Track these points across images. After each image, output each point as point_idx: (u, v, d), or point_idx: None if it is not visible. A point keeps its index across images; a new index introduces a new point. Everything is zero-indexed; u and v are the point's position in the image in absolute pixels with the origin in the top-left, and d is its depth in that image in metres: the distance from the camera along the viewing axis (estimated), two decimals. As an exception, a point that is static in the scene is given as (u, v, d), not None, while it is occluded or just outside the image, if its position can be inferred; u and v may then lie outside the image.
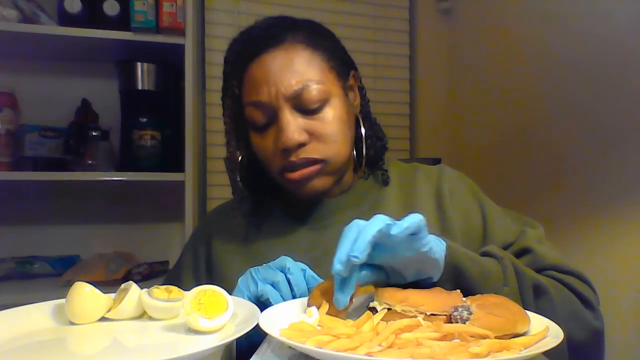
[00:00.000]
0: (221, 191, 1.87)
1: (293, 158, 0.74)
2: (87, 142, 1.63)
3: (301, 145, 0.74)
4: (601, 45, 1.38)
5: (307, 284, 0.65)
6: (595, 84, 1.40)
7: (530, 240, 0.77)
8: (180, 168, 1.59)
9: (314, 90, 0.74)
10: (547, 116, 1.59)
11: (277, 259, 0.67)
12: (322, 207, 0.84)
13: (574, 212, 1.46)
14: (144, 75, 1.64)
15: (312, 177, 0.76)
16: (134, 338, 0.57)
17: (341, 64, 0.81)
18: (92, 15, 1.55)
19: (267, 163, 0.79)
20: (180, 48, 1.58)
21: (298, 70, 0.75)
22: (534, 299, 0.66)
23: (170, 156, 1.66)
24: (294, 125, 0.74)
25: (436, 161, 1.28)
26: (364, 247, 0.51)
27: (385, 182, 0.86)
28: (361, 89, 0.86)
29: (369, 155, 0.84)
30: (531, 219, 0.85)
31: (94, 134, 1.64)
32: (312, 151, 0.75)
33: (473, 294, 0.62)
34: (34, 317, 0.60)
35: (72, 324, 0.60)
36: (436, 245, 0.60)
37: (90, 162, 1.62)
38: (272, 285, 0.64)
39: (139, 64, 1.63)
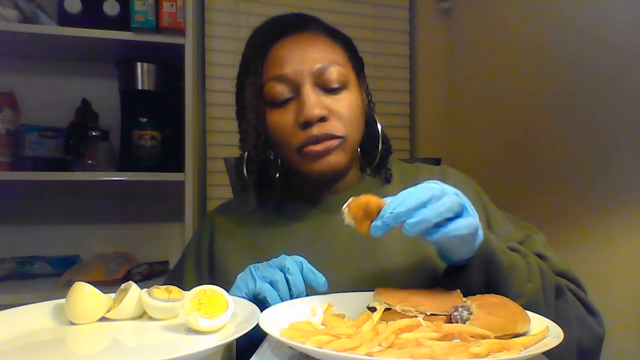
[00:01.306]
0: (221, 191, 1.87)
1: (315, 132, 0.75)
2: (87, 142, 1.62)
3: (322, 119, 0.76)
4: (601, 44, 1.38)
5: (304, 278, 0.65)
6: (596, 84, 1.40)
7: (539, 245, 0.78)
8: (180, 168, 1.59)
9: (336, 70, 0.78)
10: (547, 116, 1.59)
11: (278, 258, 0.67)
12: (324, 203, 0.85)
13: (574, 212, 1.46)
14: (144, 75, 1.64)
15: (331, 151, 0.77)
16: (134, 338, 0.57)
17: (357, 61, 0.85)
18: (92, 15, 1.55)
19: (285, 140, 0.79)
20: (180, 48, 1.58)
21: (323, 50, 0.79)
22: (554, 299, 0.67)
23: (170, 156, 1.66)
24: (316, 99, 0.76)
25: (436, 161, 1.28)
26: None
27: (387, 180, 0.87)
28: (368, 93, 0.88)
29: (373, 155, 0.86)
30: (530, 225, 0.85)
31: (94, 134, 1.64)
32: (332, 127, 0.77)
33: (500, 285, 0.63)
34: (34, 317, 0.60)
35: (72, 324, 0.60)
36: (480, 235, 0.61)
37: (90, 162, 1.62)
38: (270, 284, 0.64)
39: (139, 64, 1.63)
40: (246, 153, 0.84)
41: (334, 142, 0.77)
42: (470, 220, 0.55)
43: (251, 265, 0.67)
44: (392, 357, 0.45)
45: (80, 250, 1.74)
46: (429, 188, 0.55)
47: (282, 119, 0.78)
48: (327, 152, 0.77)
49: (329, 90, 0.78)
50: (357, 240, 0.80)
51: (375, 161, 0.87)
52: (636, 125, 1.28)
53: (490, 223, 0.82)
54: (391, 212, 0.53)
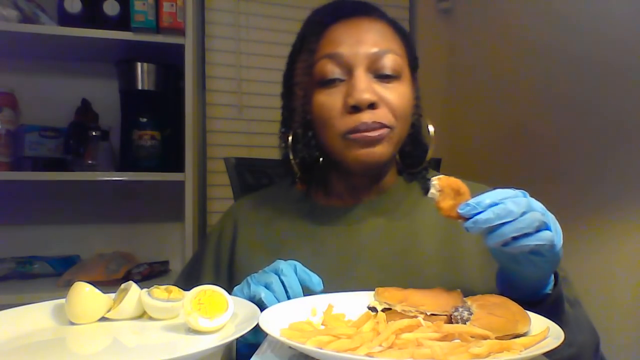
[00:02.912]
0: (221, 191, 1.87)
1: (365, 118, 0.72)
2: (87, 142, 1.62)
3: (371, 105, 0.72)
4: (601, 44, 1.38)
5: (299, 280, 0.64)
6: (596, 83, 1.40)
7: (574, 291, 0.76)
8: (180, 168, 1.59)
9: (392, 59, 0.75)
10: (547, 115, 1.59)
11: (272, 264, 0.66)
12: (355, 209, 0.82)
13: (574, 211, 1.46)
14: (144, 75, 1.64)
15: (380, 140, 0.73)
16: (134, 338, 0.57)
17: (413, 58, 0.82)
18: (92, 15, 1.55)
19: (329, 122, 0.74)
20: (180, 48, 1.57)
21: (382, 36, 0.75)
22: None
23: (170, 156, 1.66)
24: (367, 84, 0.72)
25: (436, 161, 1.27)
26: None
27: (427, 191, 0.84)
28: (417, 97, 0.84)
29: (414, 160, 0.83)
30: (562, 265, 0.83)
31: (94, 134, 1.64)
32: (382, 116, 0.73)
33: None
34: (34, 317, 0.60)
35: (72, 324, 0.60)
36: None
37: (90, 162, 1.62)
38: (265, 286, 0.63)
39: (139, 64, 1.63)
40: (291, 136, 0.80)
41: (384, 131, 0.73)
42: (546, 235, 0.54)
43: (248, 276, 0.66)
44: (393, 358, 0.45)
45: (80, 250, 1.74)
46: (519, 202, 0.53)
47: (330, 100, 0.74)
48: (376, 140, 0.73)
49: (381, 76, 0.74)
50: (389, 252, 0.77)
51: (421, 164, 0.82)
52: (636, 124, 1.28)
53: None
54: (487, 217, 0.52)
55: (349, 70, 0.74)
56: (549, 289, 0.63)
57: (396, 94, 0.74)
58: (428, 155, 0.82)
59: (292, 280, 0.63)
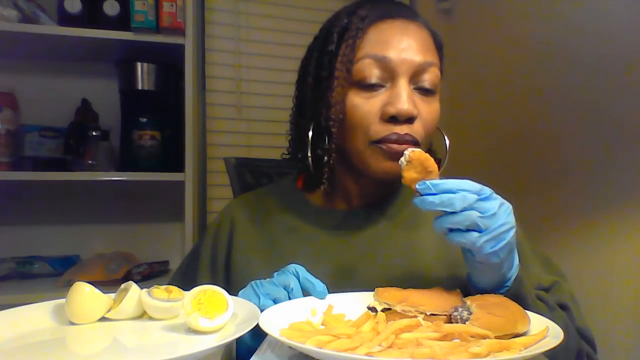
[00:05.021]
0: (221, 191, 1.87)
1: (399, 130, 0.70)
2: (87, 142, 1.63)
3: (409, 119, 0.70)
4: (602, 44, 1.38)
5: (302, 287, 0.64)
6: (596, 84, 1.40)
7: (566, 295, 0.75)
8: (180, 168, 1.60)
9: (435, 73, 0.73)
10: (547, 116, 1.59)
11: (282, 275, 0.65)
12: (357, 213, 0.80)
13: (575, 212, 1.46)
14: (144, 75, 1.64)
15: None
16: (134, 338, 0.57)
17: (442, 69, 0.80)
18: (92, 15, 1.55)
19: (361, 127, 0.71)
20: (180, 48, 1.58)
21: (427, 46, 0.73)
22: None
23: (170, 156, 1.66)
24: (410, 95, 0.70)
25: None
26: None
27: None
28: None
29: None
30: (559, 267, 0.82)
31: (94, 134, 1.64)
32: (415, 131, 0.71)
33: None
34: (34, 317, 0.60)
35: (72, 324, 0.60)
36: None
37: (90, 162, 1.62)
38: (274, 302, 0.62)
39: (139, 64, 1.63)
40: (310, 131, 0.75)
41: (412, 147, 0.71)
42: (470, 236, 0.56)
43: (253, 282, 0.65)
44: (392, 357, 0.45)
45: (80, 250, 1.74)
46: (467, 198, 0.56)
47: (367, 105, 0.71)
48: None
49: (421, 89, 0.72)
50: (389, 258, 0.76)
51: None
52: (637, 125, 1.28)
53: (522, 258, 0.76)
54: (432, 200, 0.56)
55: (391, 76, 0.71)
56: (503, 289, 0.65)
57: (431, 110, 0.74)
58: (441, 167, 0.80)
59: (299, 298, 0.63)
